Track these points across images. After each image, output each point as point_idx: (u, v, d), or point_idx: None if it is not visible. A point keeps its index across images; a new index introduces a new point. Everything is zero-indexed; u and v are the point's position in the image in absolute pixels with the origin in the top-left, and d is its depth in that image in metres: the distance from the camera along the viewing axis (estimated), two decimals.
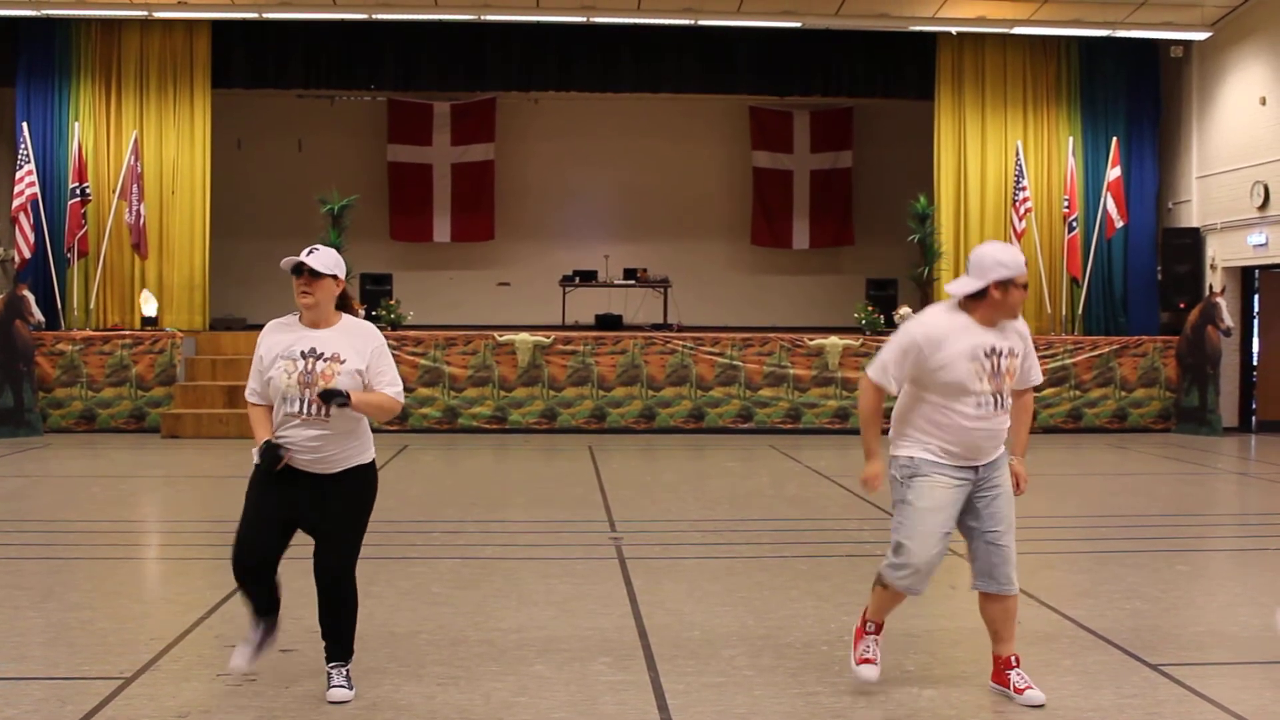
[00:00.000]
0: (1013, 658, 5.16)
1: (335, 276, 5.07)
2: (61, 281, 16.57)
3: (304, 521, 5.08)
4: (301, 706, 4.98)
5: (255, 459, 4.99)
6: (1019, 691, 5.07)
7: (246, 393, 5.20)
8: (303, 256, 5.01)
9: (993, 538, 5.08)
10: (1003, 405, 5.05)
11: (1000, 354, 5.02)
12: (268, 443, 4.96)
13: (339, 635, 5.14)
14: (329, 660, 5.14)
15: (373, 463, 5.18)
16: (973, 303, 5.03)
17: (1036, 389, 5.40)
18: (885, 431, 5.23)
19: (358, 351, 5.02)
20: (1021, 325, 5.17)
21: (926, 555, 5.01)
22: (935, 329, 5.02)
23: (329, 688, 5.06)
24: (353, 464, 5.07)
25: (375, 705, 5.00)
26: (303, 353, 4.98)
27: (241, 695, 5.09)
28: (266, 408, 5.09)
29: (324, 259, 5.04)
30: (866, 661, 5.21)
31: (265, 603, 5.16)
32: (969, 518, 5.14)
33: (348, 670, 5.13)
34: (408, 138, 20.57)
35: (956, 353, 4.96)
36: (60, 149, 16.98)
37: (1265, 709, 5.05)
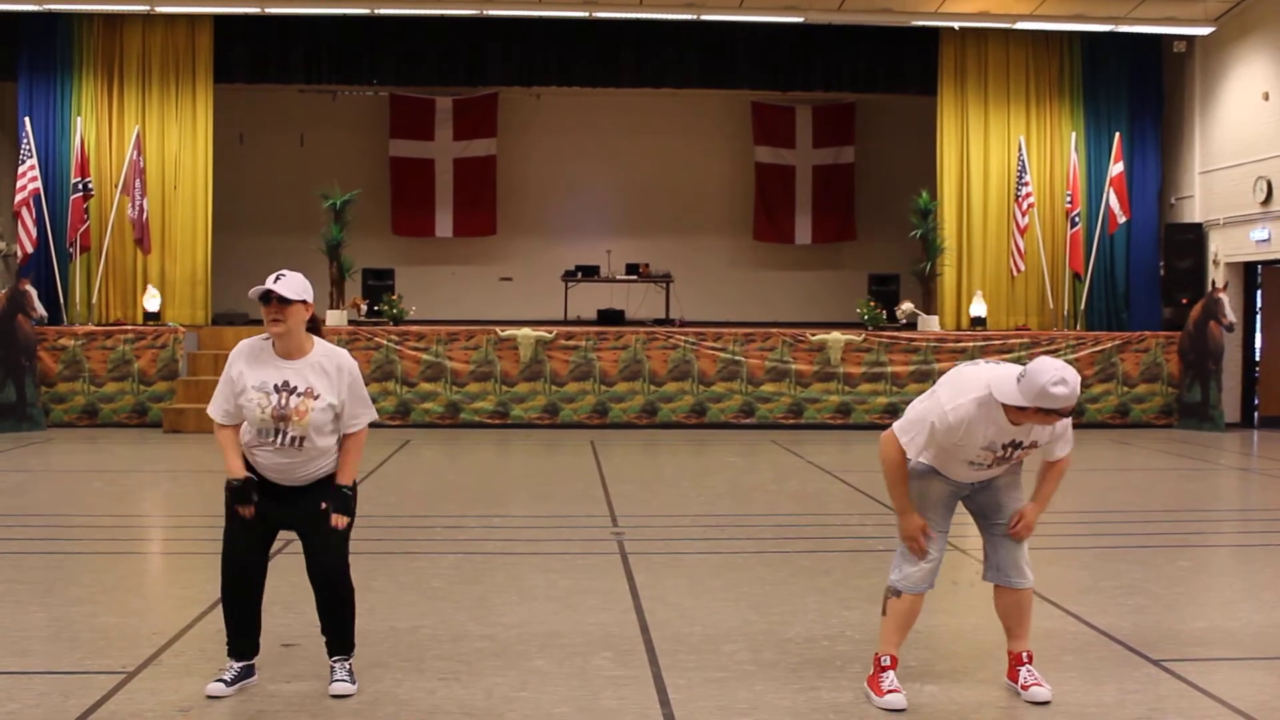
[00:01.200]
0: (1024, 654, 5.15)
1: (305, 302, 4.99)
2: (64, 276, 16.57)
3: (287, 521, 5.11)
4: (303, 701, 4.98)
5: (228, 489, 5.03)
6: (1025, 688, 5.07)
7: (214, 412, 5.10)
8: (270, 284, 4.93)
9: (999, 530, 5.09)
10: (1002, 464, 4.99)
11: (1019, 445, 4.92)
12: (245, 480, 4.96)
13: (339, 631, 5.15)
14: (331, 655, 5.15)
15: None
16: (1011, 408, 4.79)
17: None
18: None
19: (331, 385, 5.00)
20: (1056, 427, 4.94)
21: (926, 553, 5.02)
22: (960, 421, 4.81)
23: (331, 682, 5.07)
24: (328, 473, 5.10)
25: (377, 700, 5.01)
26: (275, 386, 4.95)
27: (243, 690, 5.08)
28: (234, 429, 5.06)
29: (292, 285, 4.96)
30: (893, 692, 4.98)
31: (247, 632, 5.14)
32: (977, 515, 5.16)
33: (350, 665, 5.14)
34: (410, 133, 20.57)
35: (973, 441, 4.86)
36: (62, 144, 16.99)
37: (1267, 704, 5.04)
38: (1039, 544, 8.36)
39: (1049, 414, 4.69)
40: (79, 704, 4.89)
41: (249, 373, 5.01)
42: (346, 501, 5.07)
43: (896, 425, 5.02)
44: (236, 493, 4.96)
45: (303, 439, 4.94)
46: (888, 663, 5.06)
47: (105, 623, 6.22)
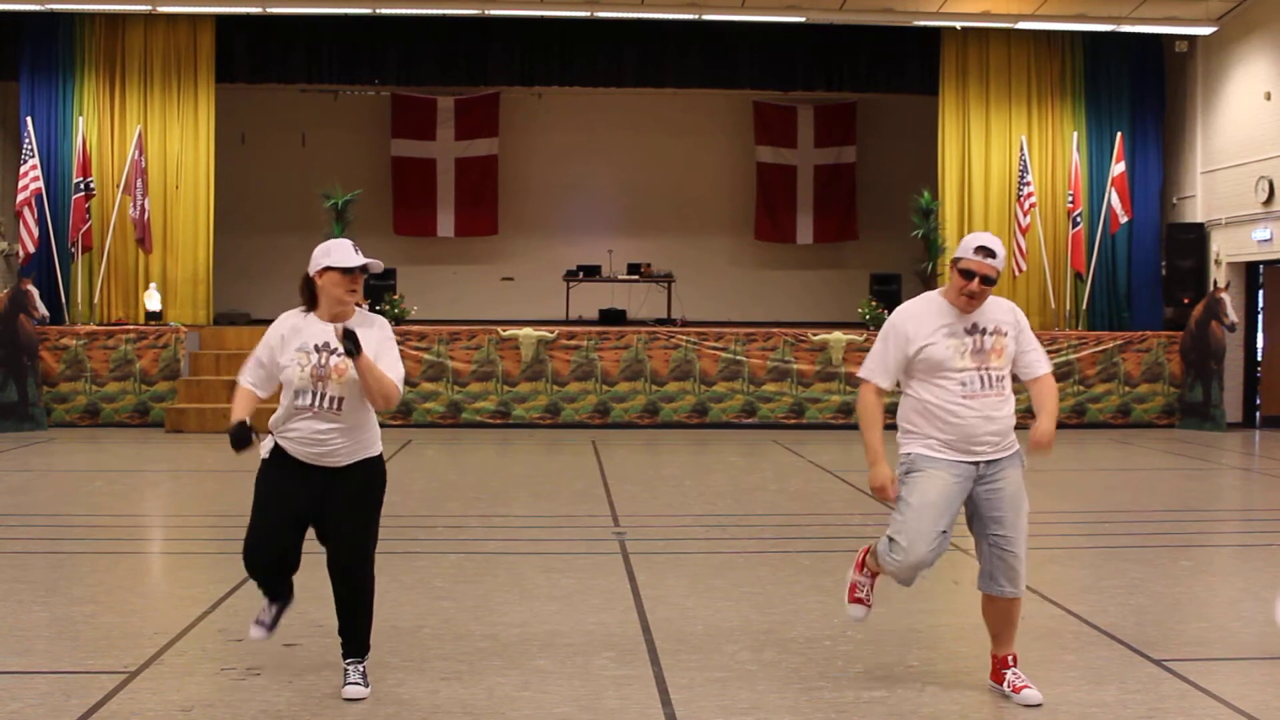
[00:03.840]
0: (1010, 657, 5.14)
1: None
2: (65, 276, 16.58)
3: (314, 518, 5.06)
4: (305, 701, 4.99)
5: (261, 449, 5.02)
6: (1016, 690, 5.04)
7: (241, 378, 5.13)
8: (360, 258, 5.00)
9: (996, 541, 5.01)
10: (992, 385, 4.98)
11: (983, 331, 5.02)
12: (240, 423, 4.93)
13: (355, 631, 5.11)
14: (346, 656, 5.11)
15: (380, 455, 5.18)
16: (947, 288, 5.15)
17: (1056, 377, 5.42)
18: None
19: (367, 341, 4.99)
20: (1012, 313, 5.16)
21: (917, 553, 4.93)
22: (912, 311, 5.13)
23: (345, 684, 5.03)
24: (361, 457, 5.06)
25: (378, 700, 5.01)
26: (316, 346, 4.97)
27: (245, 690, 5.09)
28: (253, 394, 5.08)
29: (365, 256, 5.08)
30: (857, 601, 5.26)
31: (279, 591, 5.18)
32: (975, 519, 5.08)
33: (364, 668, 5.10)
34: (411, 132, 20.58)
35: (934, 329, 5.01)
36: (64, 144, 16.99)
37: (1268, 704, 5.04)
38: (1040, 543, 8.38)
39: (969, 276, 4.97)
40: (81, 703, 4.89)
41: (290, 337, 5.02)
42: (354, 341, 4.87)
43: (860, 370, 5.27)
44: (234, 436, 4.92)
45: (341, 400, 4.93)
46: (868, 574, 5.27)
47: (107, 622, 6.22)
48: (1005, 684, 5.09)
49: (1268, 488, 12.25)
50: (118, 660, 5.49)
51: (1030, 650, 5.79)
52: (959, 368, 4.96)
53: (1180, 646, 5.89)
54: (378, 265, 5.10)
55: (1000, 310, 5.12)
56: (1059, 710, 4.95)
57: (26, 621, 6.21)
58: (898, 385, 5.21)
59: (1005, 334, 5.04)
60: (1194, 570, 7.96)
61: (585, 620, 6.30)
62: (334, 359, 4.94)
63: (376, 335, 5.05)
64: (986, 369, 4.99)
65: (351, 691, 5.01)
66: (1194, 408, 16.41)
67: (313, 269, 5.02)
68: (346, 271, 4.98)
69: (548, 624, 6.21)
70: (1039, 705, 4.98)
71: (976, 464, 4.99)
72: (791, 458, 13.37)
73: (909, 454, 5.06)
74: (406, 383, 15.50)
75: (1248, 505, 11.59)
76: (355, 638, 5.11)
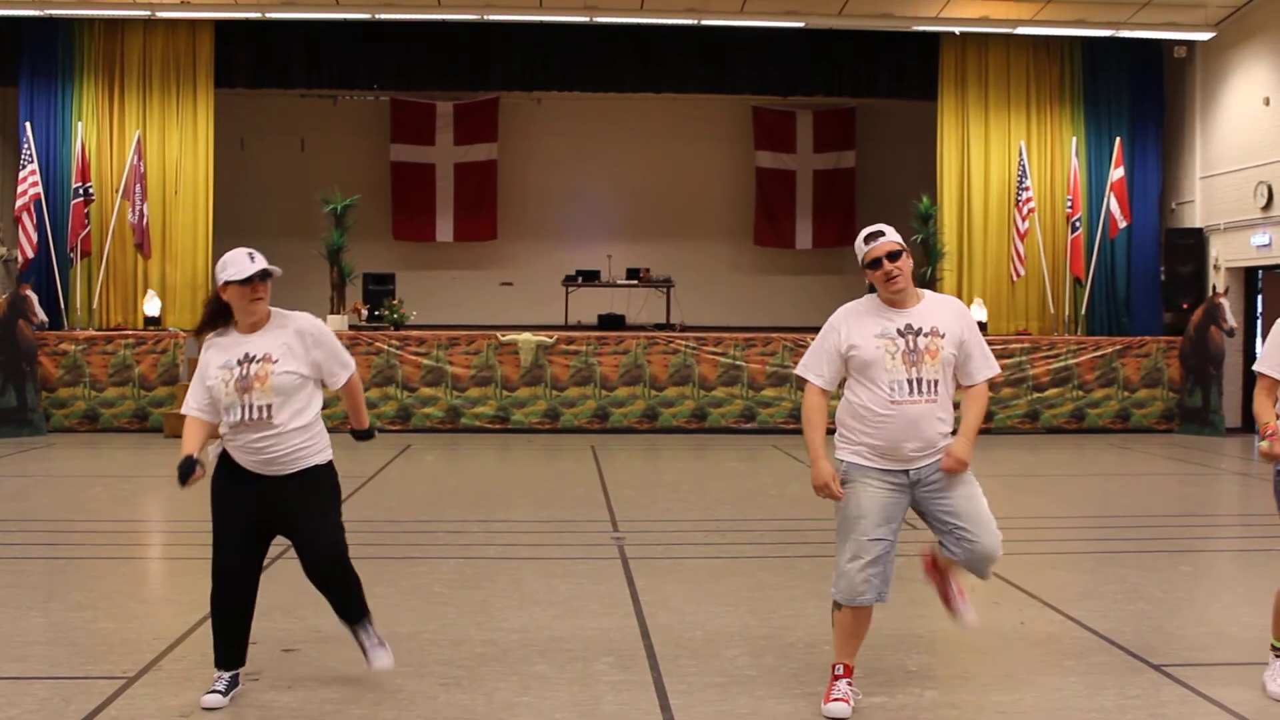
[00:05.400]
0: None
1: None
2: (64, 281, 16.58)
3: (275, 525, 5.05)
4: (304, 706, 4.98)
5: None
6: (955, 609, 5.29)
7: (185, 405, 5.11)
8: (256, 265, 4.96)
9: (962, 536, 4.91)
10: (922, 390, 4.84)
11: (918, 331, 4.89)
12: (187, 457, 4.90)
13: (350, 602, 5.14)
14: (352, 623, 5.13)
15: (330, 463, 5.12)
16: (871, 295, 5.11)
17: (996, 387, 5.36)
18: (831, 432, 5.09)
19: (288, 348, 4.99)
20: (958, 317, 4.99)
21: (859, 562, 4.84)
22: (848, 310, 5.09)
23: (369, 654, 5.10)
24: (306, 465, 5.02)
25: (378, 704, 5.00)
26: (238, 360, 4.96)
27: (244, 695, 5.08)
28: (203, 422, 5.05)
29: (267, 260, 5.04)
30: (837, 700, 4.89)
31: (235, 641, 5.09)
32: (931, 522, 4.99)
33: (374, 629, 5.14)
34: (410, 137, 20.61)
35: (865, 330, 4.95)
36: (63, 149, 16.99)
37: (1268, 710, 5.04)
38: (1039, 548, 8.39)
39: (876, 266, 5.00)
40: (79, 709, 4.88)
41: (215, 357, 5.02)
42: (369, 434, 5.44)
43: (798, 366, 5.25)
44: (180, 469, 4.92)
45: (269, 407, 4.91)
46: (840, 671, 4.96)
47: (106, 628, 6.21)
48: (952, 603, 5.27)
49: (1266, 493, 12.14)
50: (116, 666, 5.48)
51: (1029, 656, 5.79)
52: (888, 368, 4.87)
53: (1180, 652, 5.89)
54: (276, 270, 5.03)
55: (943, 312, 4.99)
56: (1059, 715, 4.94)
57: (25, 627, 6.20)
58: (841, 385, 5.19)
59: (943, 336, 4.90)
60: (1193, 575, 7.96)
61: (585, 625, 6.30)
62: (254, 367, 4.93)
63: (305, 340, 5.03)
64: (918, 372, 4.85)
65: (380, 661, 5.10)
66: (1193, 413, 16.41)
67: (218, 285, 5.01)
68: (245, 282, 4.96)
69: (547, 629, 6.21)
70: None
71: (908, 471, 4.90)
72: (790, 463, 13.36)
73: (841, 461, 4.98)
74: (405, 388, 15.73)
75: (1247, 510, 11.58)
76: (352, 605, 5.14)
